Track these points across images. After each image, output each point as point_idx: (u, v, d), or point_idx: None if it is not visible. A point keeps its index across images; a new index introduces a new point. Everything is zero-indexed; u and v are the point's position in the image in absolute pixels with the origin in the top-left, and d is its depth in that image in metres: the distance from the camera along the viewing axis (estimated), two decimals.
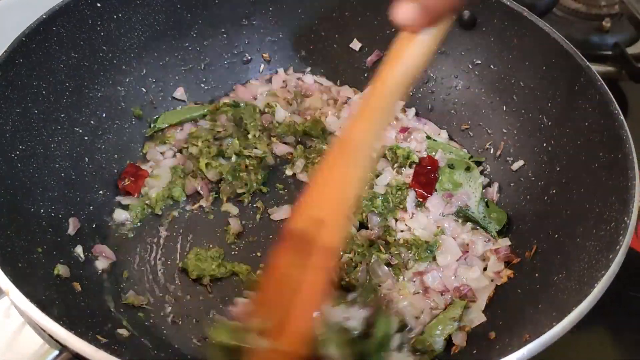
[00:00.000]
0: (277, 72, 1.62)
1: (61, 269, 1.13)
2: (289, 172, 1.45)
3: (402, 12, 0.85)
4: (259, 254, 1.30)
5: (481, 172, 1.43)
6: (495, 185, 1.40)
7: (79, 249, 1.22)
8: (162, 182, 1.38)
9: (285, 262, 0.96)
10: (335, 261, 1.09)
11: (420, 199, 1.36)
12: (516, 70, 1.38)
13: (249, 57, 1.60)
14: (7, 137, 1.16)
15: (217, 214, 1.36)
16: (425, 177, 1.38)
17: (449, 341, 1.13)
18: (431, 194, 1.36)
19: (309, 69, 1.62)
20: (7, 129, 1.16)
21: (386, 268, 1.24)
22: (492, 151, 1.44)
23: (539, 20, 1.31)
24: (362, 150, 0.93)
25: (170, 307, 1.21)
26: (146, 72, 1.47)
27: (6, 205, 1.10)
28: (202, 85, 1.56)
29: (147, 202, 1.35)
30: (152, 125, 1.47)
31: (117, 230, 1.31)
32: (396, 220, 1.33)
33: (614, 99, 1.16)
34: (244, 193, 1.38)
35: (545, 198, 1.27)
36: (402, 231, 1.32)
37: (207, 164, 1.38)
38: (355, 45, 1.59)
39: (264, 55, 1.61)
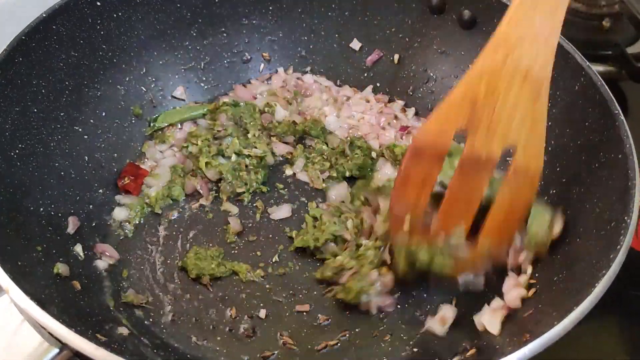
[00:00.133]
0: (277, 71, 1.62)
1: (61, 268, 1.13)
2: (288, 172, 1.45)
3: None
4: (258, 253, 1.30)
5: None
6: None
7: (78, 248, 1.22)
8: (162, 181, 1.38)
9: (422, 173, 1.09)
10: (537, 184, 1.12)
11: None
12: None
13: (249, 57, 1.60)
14: (6, 136, 1.16)
15: (216, 213, 1.36)
16: None
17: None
18: None
19: (309, 68, 1.62)
20: (7, 128, 1.16)
21: None
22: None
23: None
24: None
25: (169, 306, 1.21)
26: (146, 71, 1.47)
27: (6, 204, 1.10)
28: (202, 84, 1.56)
29: (146, 201, 1.35)
30: (151, 124, 1.47)
31: (116, 229, 1.31)
32: None
33: (614, 99, 1.16)
34: (244, 192, 1.38)
35: (546, 198, 1.26)
36: None
37: (206, 163, 1.38)
38: (355, 45, 1.59)
39: (264, 54, 1.61)
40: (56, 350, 0.92)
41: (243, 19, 1.55)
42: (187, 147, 1.42)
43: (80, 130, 1.33)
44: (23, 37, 1.20)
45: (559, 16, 1.02)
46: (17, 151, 1.18)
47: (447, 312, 1.18)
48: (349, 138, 1.47)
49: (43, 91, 1.25)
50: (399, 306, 1.22)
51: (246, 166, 1.40)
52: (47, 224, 1.19)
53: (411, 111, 1.55)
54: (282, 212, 1.37)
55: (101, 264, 1.24)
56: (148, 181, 1.38)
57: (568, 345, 0.95)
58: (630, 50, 1.70)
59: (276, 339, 1.17)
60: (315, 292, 1.24)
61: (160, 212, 1.35)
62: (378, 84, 1.60)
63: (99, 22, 1.34)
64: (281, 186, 1.42)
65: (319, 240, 1.26)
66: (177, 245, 1.30)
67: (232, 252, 1.30)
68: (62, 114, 1.29)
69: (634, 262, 1.05)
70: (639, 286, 1.31)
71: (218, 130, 1.43)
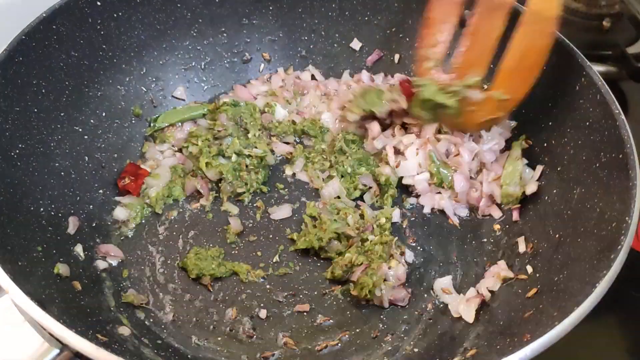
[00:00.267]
0: (277, 71, 1.62)
1: (61, 268, 1.13)
2: (288, 172, 1.45)
3: None
4: (259, 253, 1.30)
5: None
6: None
7: (78, 248, 1.22)
8: (162, 181, 1.38)
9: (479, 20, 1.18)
10: (554, 30, 1.17)
11: None
12: None
13: (249, 57, 1.60)
14: (6, 136, 1.16)
15: (217, 213, 1.36)
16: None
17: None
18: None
19: (309, 67, 1.62)
20: (7, 128, 1.16)
21: None
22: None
23: None
24: None
25: (170, 306, 1.20)
26: (146, 71, 1.47)
27: (6, 204, 1.10)
28: (202, 84, 1.56)
29: (147, 201, 1.35)
30: (152, 125, 1.46)
31: (117, 229, 1.31)
32: None
33: (615, 99, 1.16)
34: (244, 192, 1.38)
35: (546, 198, 1.27)
36: None
37: (207, 164, 1.38)
38: (356, 44, 1.60)
39: (264, 54, 1.61)
40: (56, 351, 0.92)
41: (243, 19, 1.55)
42: (187, 147, 1.42)
43: (80, 130, 1.33)
44: (23, 37, 1.19)
45: None
46: (17, 151, 1.17)
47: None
48: (340, 135, 1.45)
49: (43, 91, 1.24)
50: (413, 299, 1.23)
51: (246, 166, 1.40)
52: (48, 224, 1.19)
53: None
54: (282, 212, 1.37)
55: (101, 264, 1.24)
56: (148, 181, 1.37)
57: (568, 345, 0.95)
58: (631, 50, 1.70)
59: (276, 339, 1.17)
60: (315, 293, 1.24)
61: (160, 212, 1.35)
62: None
63: (99, 22, 1.34)
64: (281, 186, 1.42)
65: (323, 239, 1.26)
66: (177, 245, 1.30)
67: (233, 252, 1.30)
68: (62, 114, 1.29)
69: (635, 263, 1.05)
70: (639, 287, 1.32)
71: (218, 131, 1.43)
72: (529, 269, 1.19)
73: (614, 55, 1.71)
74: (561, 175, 1.25)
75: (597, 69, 1.22)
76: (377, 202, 1.38)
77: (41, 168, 1.22)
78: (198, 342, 1.16)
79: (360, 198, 1.39)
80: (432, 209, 1.37)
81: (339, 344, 1.17)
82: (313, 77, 1.61)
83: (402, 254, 1.28)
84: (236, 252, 1.30)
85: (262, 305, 1.22)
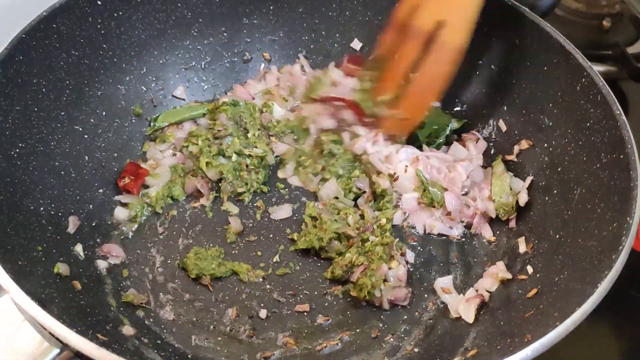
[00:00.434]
0: (269, 69, 1.61)
1: (61, 268, 1.13)
2: (281, 175, 1.44)
3: None
4: (259, 253, 1.30)
5: None
6: None
7: (78, 248, 1.22)
8: (162, 180, 1.38)
9: (393, 45, 1.27)
10: (456, 60, 1.24)
11: None
12: (517, 70, 1.38)
13: (250, 56, 1.60)
14: (6, 135, 1.15)
15: (217, 212, 1.36)
16: None
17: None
18: None
19: (300, 59, 1.61)
20: (7, 127, 1.16)
21: None
22: (492, 151, 1.43)
23: (541, 20, 1.31)
24: None
25: (170, 306, 1.20)
26: (146, 70, 1.47)
27: (5, 203, 1.10)
28: (203, 84, 1.56)
29: (147, 201, 1.35)
30: (152, 124, 1.46)
31: (117, 229, 1.31)
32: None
33: (615, 100, 1.16)
34: (245, 192, 1.38)
35: (547, 198, 1.27)
36: None
37: (207, 163, 1.37)
38: (356, 44, 1.59)
39: (264, 54, 1.60)
40: (57, 351, 0.92)
41: (243, 18, 1.55)
42: (187, 146, 1.42)
43: (80, 129, 1.33)
44: (23, 36, 1.19)
45: None
46: (17, 150, 1.17)
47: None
48: (325, 137, 1.43)
49: (43, 90, 1.24)
50: (414, 300, 1.23)
51: (247, 166, 1.39)
52: (48, 223, 1.18)
53: None
54: (282, 212, 1.36)
55: (102, 263, 1.23)
56: (148, 181, 1.37)
57: (569, 345, 0.95)
58: (631, 50, 1.70)
59: (276, 340, 1.17)
60: (315, 292, 1.24)
61: (160, 211, 1.34)
62: None
63: (99, 21, 1.34)
64: (282, 186, 1.42)
65: (323, 239, 1.26)
66: (177, 245, 1.30)
67: (233, 252, 1.30)
68: (62, 113, 1.29)
69: (635, 264, 1.05)
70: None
71: (218, 130, 1.42)
72: (530, 269, 1.19)
73: (614, 55, 1.71)
74: (561, 176, 1.25)
75: (597, 69, 1.21)
76: (371, 206, 1.36)
77: (41, 167, 1.22)
78: (198, 341, 1.16)
79: (354, 201, 1.39)
80: (425, 231, 1.35)
81: (339, 344, 1.17)
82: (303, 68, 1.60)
83: (403, 254, 1.28)
84: (236, 251, 1.30)
85: (262, 305, 1.22)
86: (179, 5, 1.46)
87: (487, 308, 1.19)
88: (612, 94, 1.16)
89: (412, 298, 1.23)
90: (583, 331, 0.93)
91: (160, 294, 1.22)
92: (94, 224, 1.28)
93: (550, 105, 1.31)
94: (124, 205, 1.34)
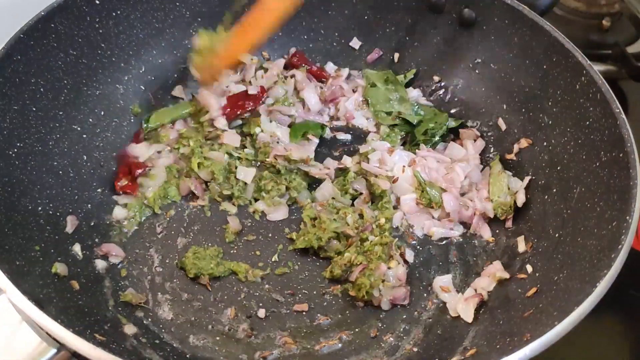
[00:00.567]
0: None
1: (59, 267, 1.13)
2: (250, 210, 1.38)
3: None
4: (258, 252, 1.30)
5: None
6: None
7: (77, 247, 1.21)
8: (158, 181, 1.37)
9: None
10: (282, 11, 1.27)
11: None
12: (517, 69, 1.38)
13: None
14: (4, 135, 1.15)
15: (215, 212, 1.36)
16: None
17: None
18: None
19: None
20: (5, 126, 1.16)
21: None
22: (492, 150, 1.43)
23: (540, 18, 1.31)
24: None
25: (168, 306, 1.20)
26: (145, 69, 1.46)
27: (3, 203, 1.10)
28: None
29: (144, 201, 1.34)
30: (144, 126, 1.45)
31: (115, 229, 1.31)
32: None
33: (615, 98, 1.15)
34: (233, 195, 1.37)
35: (546, 197, 1.27)
36: None
37: (199, 164, 1.37)
38: (355, 43, 1.59)
39: (263, 53, 1.60)
40: (54, 351, 0.92)
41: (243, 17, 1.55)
42: (178, 148, 1.41)
43: (78, 129, 1.32)
44: (21, 35, 1.19)
45: None
46: (15, 150, 1.17)
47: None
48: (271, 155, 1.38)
49: (41, 90, 1.24)
50: (413, 299, 1.23)
51: (236, 167, 1.38)
52: (46, 223, 1.18)
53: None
54: (279, 213, 1.36)
55: (100, 263, 1.23)
56: (145, 181, 1.36)
57: (568, 344, 0.95)
58: (630, 49, 1.70)
59: (275, 339, 1.17)
60: (314, 292, 1.24)
61: (159, 211, 1.34)
62: None
63: (97, 20, 1.34)
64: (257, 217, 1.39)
65: (322, 239, 1.25)
66: (176, 244, 1.30)
67: (231, 251, 1.30)
68: (60, 113, 1.28)
69: (635, 262, 1.04)
70: (639, 287, 1.31)
71: (209, 131, 1.42)
72: (529, 268, 1.19)
73: (613, 54, 1.71)
74: (561, 174, 1.25)
75: (596, 68, 1.21)
76: (370, 207, 1.36)
77: (39, 167, 1.22)
78: (196, 341, 1.15)
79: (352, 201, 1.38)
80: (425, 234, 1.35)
81: (338, 344, 1.17)
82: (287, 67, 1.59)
83: (402, 254, 1.28)
84: (235, 251, 1.30)
85: (260, 304, 1.21)
86: (177, 4, 1.46)
87: (486, 307, 1.19)
88: (612, 93, 1.16)
89: (411, 297, 1.22)
90: (582, 330, 0.93)
91: (159, 293, 1.22)
92: (92, 224, 1.28)
93: (550, 103, 1.30)
94: (123, 205, 1.33)
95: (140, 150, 1.41)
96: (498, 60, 1.42)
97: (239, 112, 1.44)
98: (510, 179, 1.34)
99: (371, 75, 1.55)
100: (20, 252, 1.07)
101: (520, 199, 1.30)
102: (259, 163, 1.39)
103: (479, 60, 1.45)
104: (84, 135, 1.33)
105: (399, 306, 1.22)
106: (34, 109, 1.23)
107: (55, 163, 1.26)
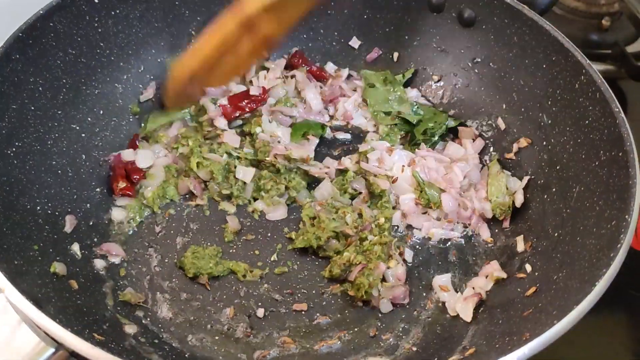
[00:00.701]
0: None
1: (58, 267, 1.13)
2: (249, 209, 1.38)
3: None
4: (257, 252, 1.29)
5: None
6: None
7: (75, 247, 1.21)
8: (157, 181, 1.37)
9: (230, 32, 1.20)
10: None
11: None
12: (516, 68, 1.38)
13: None
14: (3, 134, 1.15)
15: (214, 211, 1.36)
16: None
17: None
18: None
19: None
20: (4, 126, 1.16)
21: None
22: (491, 149, 1.43)
23: (540, 18, 1.31)
24: None
25: (167, 305, 1.20)
26: (144, 69, 1.46)
27: (2, 202, 1.10)
28: None
29: (143, 201, 1.34)
30: (142, 126, 1.45)
31: (114, 228, 1.31)
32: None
33: (614, 97, 1.15)
34: (232, 195, 1.37)
35: (545, 196, 1.27)
36: None
37: (198, 164, 1.36)
38: (355, 42, 1.59)
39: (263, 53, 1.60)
40: (52, 350, 0.92)
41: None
42: (177, 148, 1.41)
43: (77, 128, 1.32)
44: (20, 34, 1.19)
45: None
46: (14, 149, 1.17)
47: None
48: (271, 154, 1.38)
49: (40, 89, 1.24)
50: (412, 298, 1.23)
51: (235, 167, 1.38)
52: (44, 222, 1.18)
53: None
54: (278, 213, 1.36)
55: (99, 263, 1.23)
56: (143, 181, 1.36)
57: (567, 344, 0.95)
58: (630, 49, 1.70)
59: (274, 339, 1.17)
60: (313, 291, 1.24)
61: (158, 211, 1.34)
62: None
63: (96, 19, 1.33)
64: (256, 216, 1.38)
65: (321, 238, 1.25)
66: (174, 244, 1.30)
67: (230, 251, 1.30)
68: (59, 112, 1.28)
69: (634, 262, 1.04)
70: (639, 286, 1.31)
71: (208, 131, 1.42)
72: (528, 267, 1.19)
73: (613, 54, 1.70)
74: (560, 174, 1.25)
75: (596, 67, 1.21)
76: (369, 206, 1.35)
77: (38, 166, 1.22)
78: (195, 340, 1.15)
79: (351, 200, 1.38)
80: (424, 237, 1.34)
81: (337, 343, 1.17)
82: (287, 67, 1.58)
83: (401, 253, 1.28)
84: (234, 250, 1.30)
85: (259, 304, 1.21)
86: (177, 3, 1.45)
87: (485, 306, 1.19)
88: (611, 92, 1.16)
89: (410, 297, 1.22)
90: (581, 329, 0.93)
91: (158, 293, 1.22)
92: (91, 223, 1.28)
93: (549, 103, 1.30)
94: (122, 206, 1.33)
95: (137, 157, 1.39)
96: (497, 59, 1.42)
97: (239, 113, 1.44)
98: (509, 179, 1.34)
99: (369, 76, 1.55)
100: (19, 252, 1.07)
101: (519, 200, 1.30)
102: (257, 163, 1.39)
103: (479, 60, 1.45)
104: (83, 135, 1.33)
105: (398, 306, 1.21)
106: (33, 108, 1.22)
107: (54, 162, 1.26)
